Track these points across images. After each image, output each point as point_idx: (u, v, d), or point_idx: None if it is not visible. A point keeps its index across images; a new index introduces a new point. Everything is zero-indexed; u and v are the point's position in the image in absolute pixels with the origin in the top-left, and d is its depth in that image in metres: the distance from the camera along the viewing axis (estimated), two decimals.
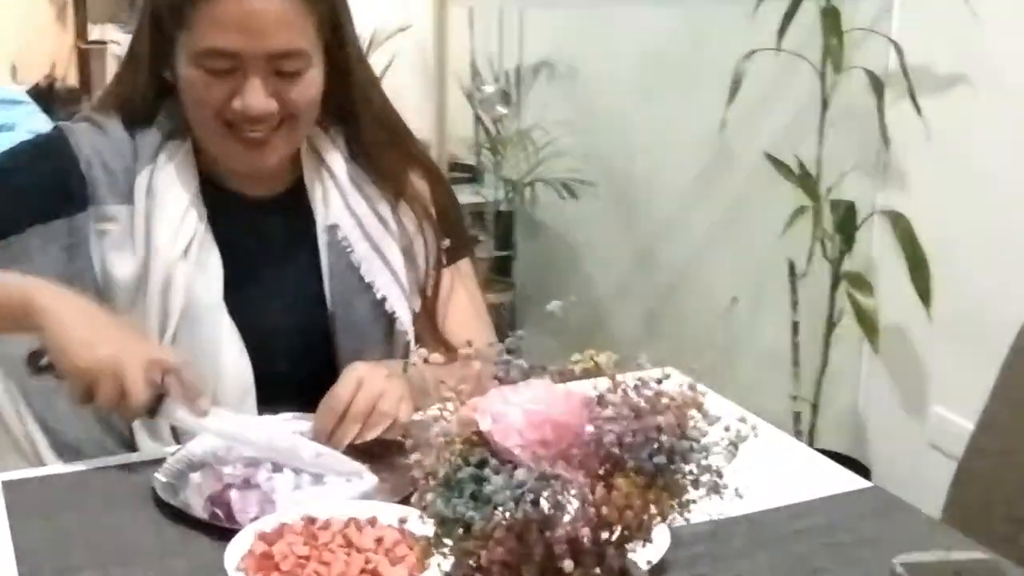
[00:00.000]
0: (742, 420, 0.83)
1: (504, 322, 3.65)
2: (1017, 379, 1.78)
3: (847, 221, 2.58)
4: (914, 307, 2.50)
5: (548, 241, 3.93)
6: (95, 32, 6.64)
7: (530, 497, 0.79)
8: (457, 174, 3.82)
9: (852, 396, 2.86)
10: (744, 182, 2.95)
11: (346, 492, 1.31)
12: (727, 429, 0.83)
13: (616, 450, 0.81)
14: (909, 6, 2.54)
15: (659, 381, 0.84)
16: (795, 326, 2.71)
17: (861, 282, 2.60)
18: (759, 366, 2.88)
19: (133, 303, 1.48)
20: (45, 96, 5.79)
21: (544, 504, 0.79)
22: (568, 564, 0.79)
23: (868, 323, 2.56)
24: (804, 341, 2.71)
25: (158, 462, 1.34)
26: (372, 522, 1.19)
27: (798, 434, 2.68)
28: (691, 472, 0.82)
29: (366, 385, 1.37)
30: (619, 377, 0.87)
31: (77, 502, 1.31)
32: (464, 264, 1.70)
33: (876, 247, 2.74)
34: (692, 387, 0.86)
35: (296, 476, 1.32)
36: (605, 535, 0.82)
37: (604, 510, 0.80)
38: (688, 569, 1.11)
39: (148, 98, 1.53)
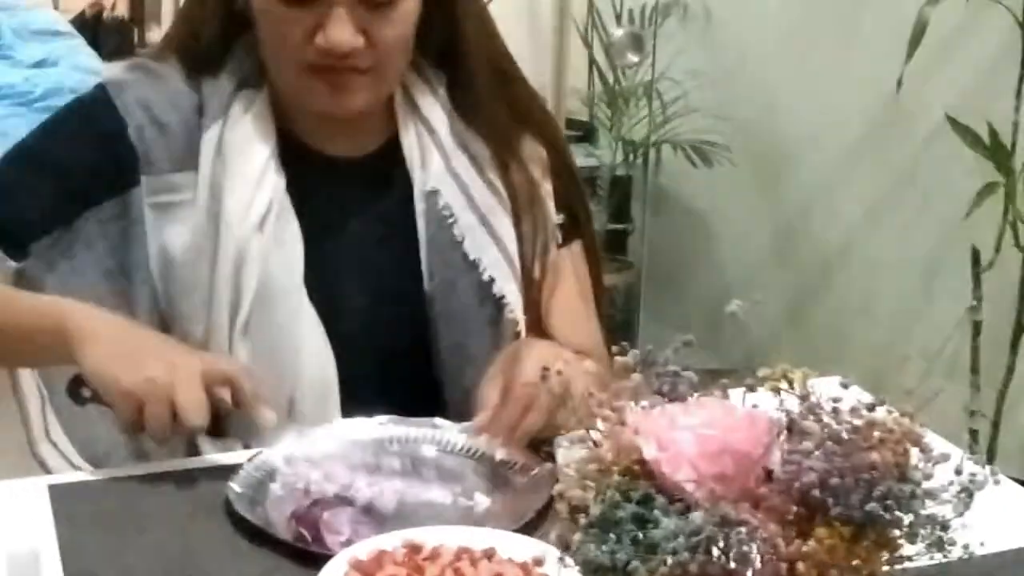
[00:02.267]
0: (977, 460, 0.79)
1: (617, 309, 3.64)
2: None
3: None
4: None
5: (673, 214, 3.89)
6: None
7: (707, 546, 0.76)
8: (568, 132, 3.75)
9: None
10: (918, 151, 2.89)
11: (455, 514, 1.28)
12: (958, 472, 0.79)
13: (817, 492, 0.78)
14: None
15: (871, 407, 0.81)
16: (976, 327, 2.66)
17: None
18: (929, 373, 2.79)
19: (195, 287, 1.48)
20: (92, 27, 5.87)
21: (723, 556, 0.77)
22: None
23: None
24: (987, 345, 2.66)
25: (232, 468, 1.33)
26: (489, 555, 1.15)
27: (975, 451, 2.60)
28: (910, 523, 0.78)
29: (520, 383, 1.33)
30: (814, 397, 0.84)
31: (138, 513, 1.30)
32: (577, 247, 1.67)
33: None
34: (909, 415, 0.82)
35: (396, 491, 1.29)
36: None
37: (800, 567, 0.77)
38: None
39: (216, 37, 1.52)
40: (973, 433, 2.65)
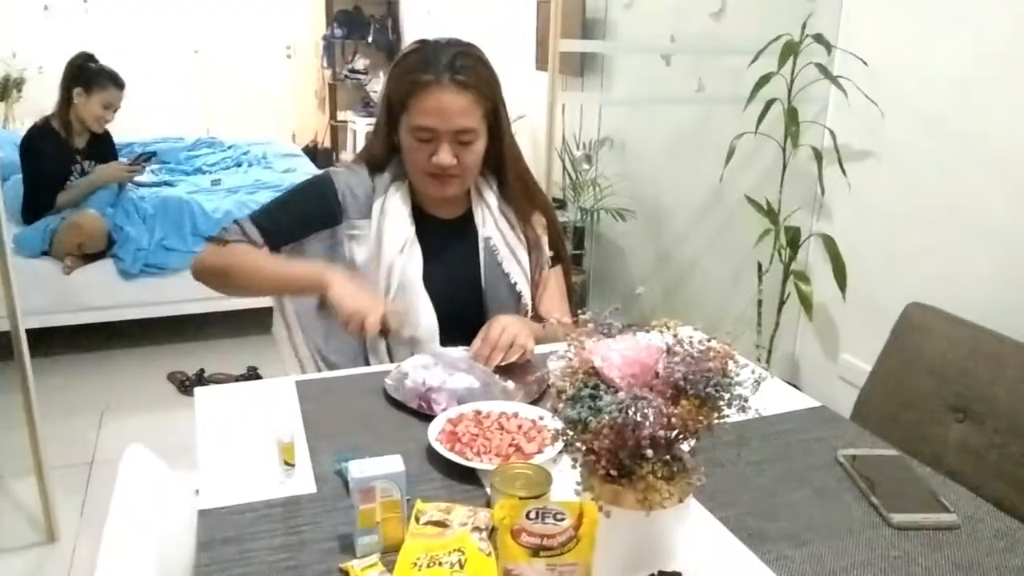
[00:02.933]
0: (764, 367, 0.79)
1: (577, 295, 3.62)
2: (897, 346, 1.72)
3: (795, 239, 2.48)
4: (834, 293, 2.41)
5: (605, 246, 3.84)
6: (341, 115, 6.72)
7: (627, 409, 0.76)
8: (553, 203, 3.72)
9: (792, 346, 2.74)
10: (732, 214, 2.85)
11: (499, 392, 1.26)
12: (753, 372, 0.79)
13: (682, 383, 0.78)
14: (840, 105, 2.42)
15: (709, 339, 0.81)
16: (759, 303, 2.62)
17: (802, 277, 2.50)
18: (736, 325, 2.78)
19: (367, 278, 1.46)
20: (311, 152, 5.89)
21: (635, 414, 0.76)
22: (649, 452, 0.77)
23: (806, 302, 2.47)
24: (765, 312, 2.62)
25: (385, 372, 1.33)
26: (515, 415, 1.17)
27: None
28: (728, 398, 0.78)
29: (508, 328, 1.34)
30: (680, 335, 0.84)
31: (342, 394, 1.30)
32: (559, 268, 1.63)
33: (812, 255, 2.62)
34: (729, 343, 0.82)
35: (467, 382, 1.27)
36: (672, 434, 0.79)
37: (673, 420, 0.77)
38: (708, 452, 1.06)
39: (383, 155, 1.50)
40: (757, 357, 2.61)
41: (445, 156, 1.39)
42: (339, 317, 1.31)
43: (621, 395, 0.76)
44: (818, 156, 2.43)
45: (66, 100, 3.20)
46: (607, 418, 0.76)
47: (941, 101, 2.12)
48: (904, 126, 2.24)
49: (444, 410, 1.19)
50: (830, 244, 2.39)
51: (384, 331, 1.32)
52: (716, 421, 0.78)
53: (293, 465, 1.04)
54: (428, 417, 1.17)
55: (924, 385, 1.69)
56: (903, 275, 2.28)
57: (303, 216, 1.47)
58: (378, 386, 1.29)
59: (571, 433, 0.80)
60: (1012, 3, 1.91)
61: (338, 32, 6.54)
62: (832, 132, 2.40)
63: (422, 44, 1.42)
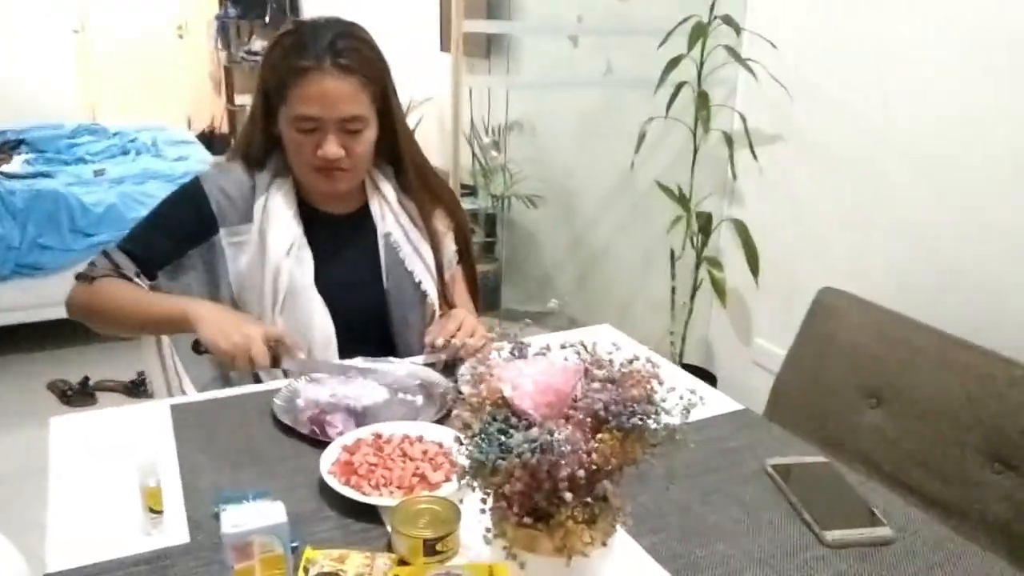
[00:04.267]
0: (692, 391, 0.70)
1: (490, 282, 3.52)
2: (811, 332, 1.70)
3: (707, 225, 2.44)
4: (746, 278, 2.39)
5: (516, 233, 3.75)
6: (238, 99, 6.39)
7: (541, 447, 0.65)
8: (462, 191, 3.63)
9: (705, 331, 2.72)
10: (643, 199, 2.79)
11: (400, 416, 1.14)
12: (681, 397, 0.70)
13: (603, 413, 0.68)
14: (750, 90, 2.38)
15: (630, 361, 0.71)
16: (673, 289, 2.57)
17: (715, 262, 2.48)
18: (650, 311, 2.74)
19: (252, 288, 1.33)
20: (207, 139, 5.56)
21: (550, 452, 0.66)
22: (568, 495, 0.66)
23: (718, 287, 2.45)
24: (678, 298, 2.58)
25: (275, 391, 1.19)
26: (420, 439, 1.05)
27: (672, 355, 2.56)
28: (654, 430, 0.68)
29: (467, 321, 1.33)
30: (600, 354, 0.74)
31: (222, 419, 1.15)
32: (463, 265, 1.55)
33: (724, 241, 2.58)
34: (652, 363, 0.72)
35: (366, 399, 1.15)
36: (593, 470, 0.68)
37: (593, 456, 0.67)
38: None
39: (262, 148, 1.36)
40: (671, 342, 2.58)
41: (332, 148, 1.27)
42: (219, 360, 1.18)
43: (534, 431, 0.65)
44: (729, 140, 2.39)
45: None
46: (518, 461, 0.65)
47: (848, 84, 2.10)
48: (812, 110, 2.22)
49: (340, 434, 1.06)
50: (742, 229, 2.36)
51: (275, 360, 1.19)
52: (642, 456, 0.68)
53: (160, 512, 0.89)
54: (322, 443, 1.04)
55: (838, 370, 1.67)
56: (815, 259, 2.27)
57: (175, 233, 1.33)
58: (266, 407, 1.15)
59: (477, 479, 0.69)
60: None
61: (232, 11, 6.19)
62: (743, 116, 2.36)
63: (298, 26, 1.29)
